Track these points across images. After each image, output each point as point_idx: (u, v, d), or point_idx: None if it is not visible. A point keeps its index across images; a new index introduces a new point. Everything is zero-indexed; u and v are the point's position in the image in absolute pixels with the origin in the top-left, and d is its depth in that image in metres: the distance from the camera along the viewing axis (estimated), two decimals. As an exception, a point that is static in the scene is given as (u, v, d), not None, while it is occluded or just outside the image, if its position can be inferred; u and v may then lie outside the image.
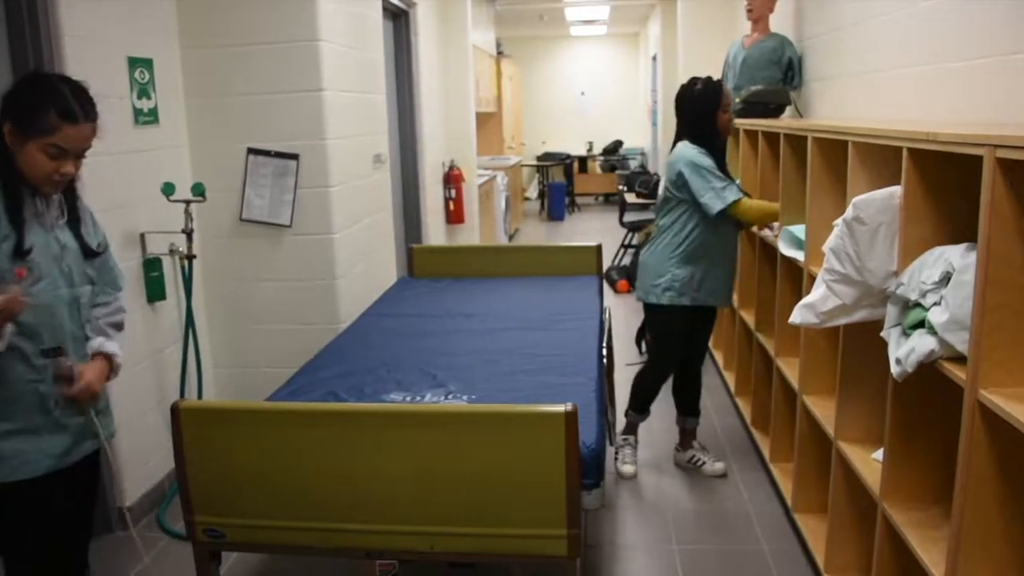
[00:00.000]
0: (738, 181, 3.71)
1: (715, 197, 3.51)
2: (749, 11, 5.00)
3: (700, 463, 3.93)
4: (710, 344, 5.65)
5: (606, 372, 3.63)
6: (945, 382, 1.92)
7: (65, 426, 2.20)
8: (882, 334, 2.18)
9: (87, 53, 3.27)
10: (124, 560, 3.28)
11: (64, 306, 2.20)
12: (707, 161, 3.56)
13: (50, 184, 2.12)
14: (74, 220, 2.27)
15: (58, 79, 2.17)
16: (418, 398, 2.81)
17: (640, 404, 3.98)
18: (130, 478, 3.53)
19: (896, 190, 2.19)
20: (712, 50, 6.44)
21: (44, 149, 2.06)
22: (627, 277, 7.63)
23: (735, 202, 3.49)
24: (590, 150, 15.48)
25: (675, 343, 3.81)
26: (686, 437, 4.04)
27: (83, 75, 3.21)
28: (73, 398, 2.17)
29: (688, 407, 4.03)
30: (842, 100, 4.16)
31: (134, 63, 3.58)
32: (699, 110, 3.63)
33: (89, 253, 2.30)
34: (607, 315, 4.08)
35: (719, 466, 3.90)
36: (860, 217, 2.25)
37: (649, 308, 3.79)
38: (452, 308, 4.01)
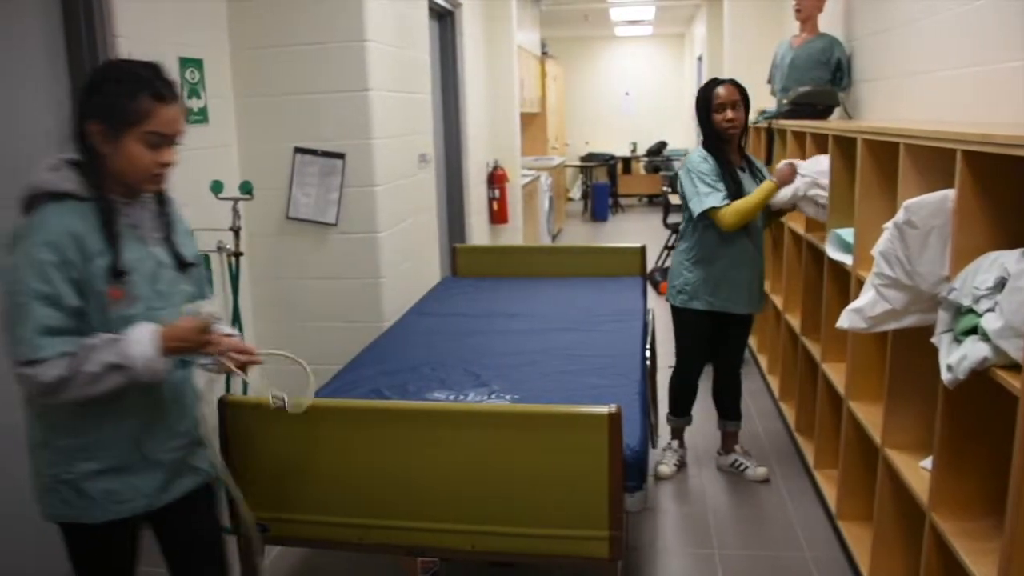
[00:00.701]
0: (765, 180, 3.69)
1: (697, 203, 3.56)
2: (797, 11, 4.94)
3: (742, 467, 3.90)
4: (753, 347, 5.62)
5: (649, 374, 3.61)
6: (998, 390, 1.88)
7: (159, 462, 2.03)
8: (933, 340, 2.14)
9: (140, 54, 3.28)
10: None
11: None
12: (704, 166, 3.59)
13: (151, 180, 1.95)
14: (167, 228, 2.09)
15: (134, 62, 1.96)
16: (461, 397, 2.81)
17: (674, 407, 3.99)
18: (176, 471, 3.58)
19: (949, 193, 2.16)
20: (759, 51, 6.38)
21: (143, 139, 1.88)
22: (670, 279, 7.58)
23: (711, 209, 3.53)
24: (634, 151, 15.42)
25: (693, 345, 3.84)
26: (727, 441, 4.01)
27: (136, 74, 3.27)
28: (244, 366, 2.07)
29: (728, 411, 4.00)
30: (893, 101, 4.10)
31: (185, 63, 3.63)
32: (698, 114, 3.68)
33: (183, 265, 2.09)
34: (650, 316, 4.06)
35: (761, 471, 3.86)
36: (912, 220, 2.21)
37: (672, 309, 3.84)
38: (495, 308, 4.01)
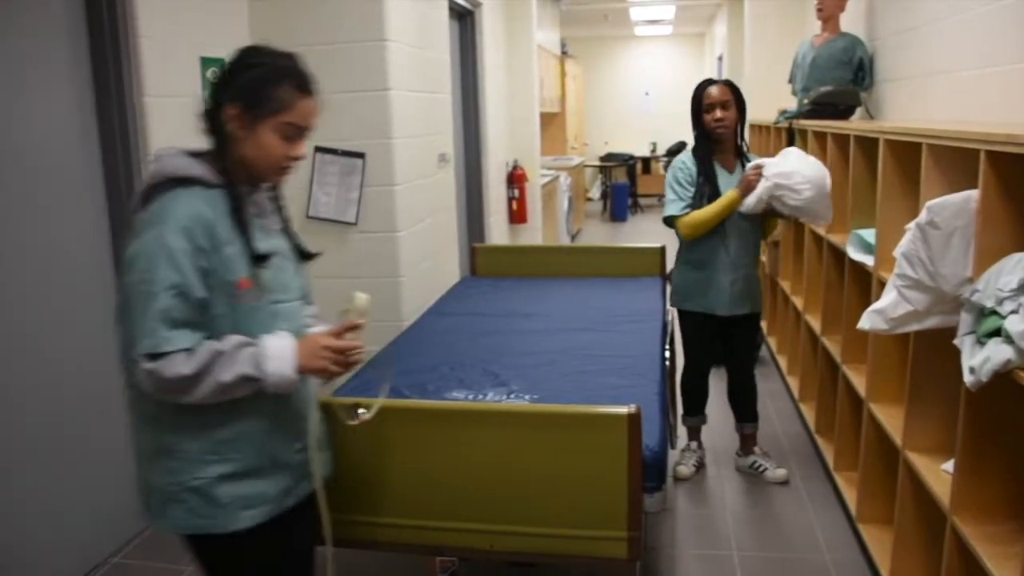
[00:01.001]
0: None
1: (664, 210, 3.68)
2: (819, 10, 4.91)
3: (761, 469, 3.88)
4: (773, 348, 5.59)
5: (668, 375, 3.60)
6: (1021, 392, 1.87)
7: (286, 465, 1.94)
8: (955, 342, 2.12)
9: (162, 53, 3.35)
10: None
11: (297, 325, 1.97)
12: (680, 173, 3.64)
13: (279, 172, 1.89)
14: (285, 218, 2.05)
15: (276, 51, 1.89)
16: (480, 397, 2.82)
17: (686, 407, 3.99)
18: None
19: (973, 194, 2.14)
20: (780, 50, 6.35)
21: (279, 128, 1.82)
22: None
23: (669, 217, 3.61)
24: (654, 151, 15.38)
25: (694, 345, 3.88)
26: (746, 442, 4.00)
27: (158, 75, 3.32)
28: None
29: (743, 412, 3.99)
30: (915, 101, 4.07)
31: (207, 62, 3.66)
32: (691, 114, 3.65)
33: (305, 256, 2.10)
34: (670, 317, 4.05)
35: (780, 472, 3.85)
36: (934, 221, 2.19)
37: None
38: (514, 308, 4.01)
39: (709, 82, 3.63)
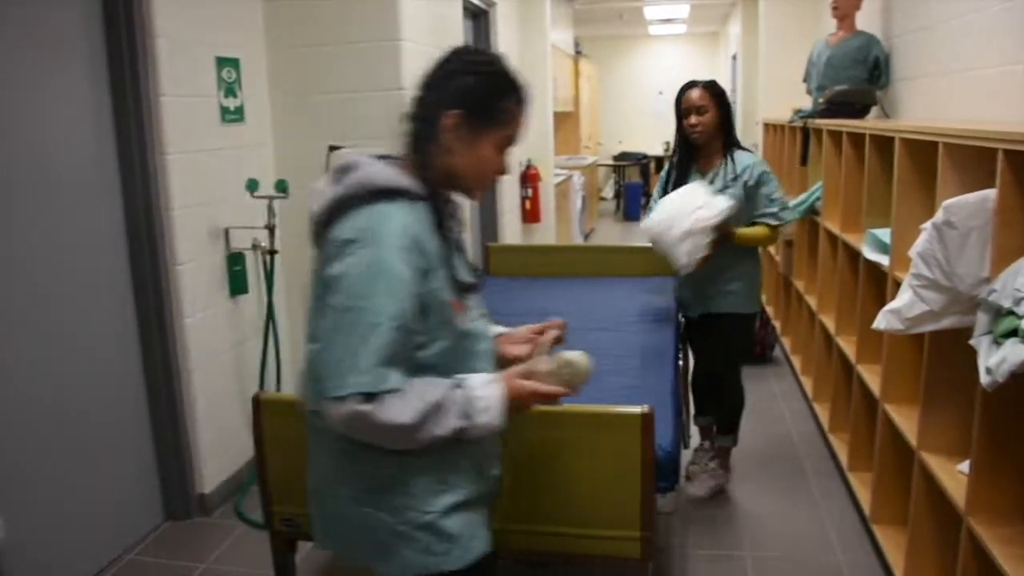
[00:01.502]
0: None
1: None
2: (835, 9, 4.89)
3: (692, 477, 3.78)
4: (787, 348, 5.57)
5: (681, 375, 3.59)
6: (1038, 393, 1.86)
7: (493, 489, 1.85)
8: (971, 342, 2.11)
9: (178, 53, 3.36)
10: (203, 545, 3.37)
11: (489, 345, 1.83)
12: (660, 180, 3.69)
13: (487, 186, 1.76)
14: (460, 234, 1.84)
15: (495, 57, 1.75)
16: (493, 396, 2.81)
17: (695, 406, 3.98)
18: (209, 466, 3.63)
19: (989, 194, 2.12)
20: (795, 49, 6.33)
21: (499, 142, 1.69)
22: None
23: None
24: (667, 150, 15.34)
25: (689, 345, 3.95)
26: (718, 452, 3.83)
27: (174, 74, 3.34)
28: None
29: (720, 422, 3.82)
30: (932, 100, 4.05)
31: (222, 63, 3.67)
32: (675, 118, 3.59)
33: (476, 271, 1.90)
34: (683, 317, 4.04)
35: (695, 491, 3.71)
36: (951, 221, 2.18)
37: None
38: (527, 307, 4.01)
39: (690, 85, 3.53)
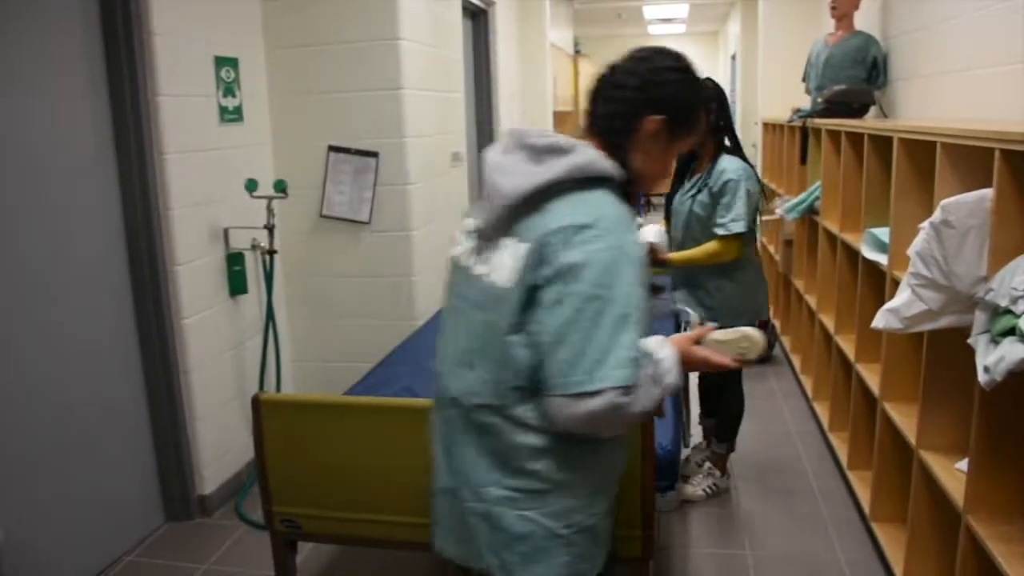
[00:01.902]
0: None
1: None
2: (833, 8, 4.89)
3: (689, 476, 3.77)
4: (787, 347, 5.58)
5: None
6: (1036, 392, 1.86)
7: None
8: (969, 341, 2.11)
9: (176, 52, 3.37)
10: (203, 546, 3.37)
11: None
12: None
13: (656, 188, 1.79)
14: None
15: (695, 67, 1.74)
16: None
17: (702, 407, 3.97)
18: (209, 467, 3.63)
19: (987, 193, 2.13)
20: (794, 49, 6.33)
21: (681, 148, 1.73)
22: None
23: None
24: None
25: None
26: (713, 455, 3.80)
27: (172, 74, 3.34)
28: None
29: (717, 428, 3.78)
30: (930, 100, 4.05)
31: (220, 62, 3.68)
32: None
33: None
34: (692, 317, 4.03)
35: (691, 492, 3.70)
36: (948, 220, 2.19)
37: None
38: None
39: None
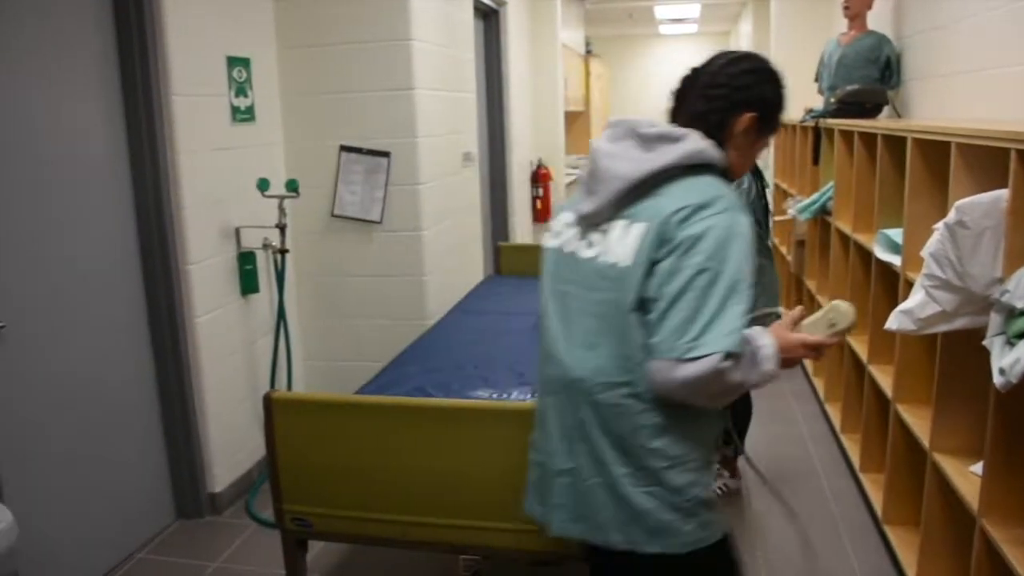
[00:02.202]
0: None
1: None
2: (846, 8, 4.87)
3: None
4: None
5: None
6: (1052, 394, 1.85)
7: None
8: (984, 343, 2.10)
9: (189, 52, 3.37)
10: (214, 544, 3.38)
11: None
12: None
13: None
14: None
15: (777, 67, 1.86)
16: (504, 396, 2.82)
17: None
18: (219, 465, 3.64)
19: (1002, 193, 2.11)
20: (806, 49, 6.30)
21: (764, 145, 1.85)
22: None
23: None
24: None
25: None
26: (720, 459, 3.74)
27: (184, 74, 3.35)
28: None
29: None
30: (944, 100, 4.03)
31: (233, 62, 3.68)
32: None
33: None
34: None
35: (733, 483, 3.71)
36: (963, 221, 2.17)
37: None
38: (539, 306, 4.00)
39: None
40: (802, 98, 6.13)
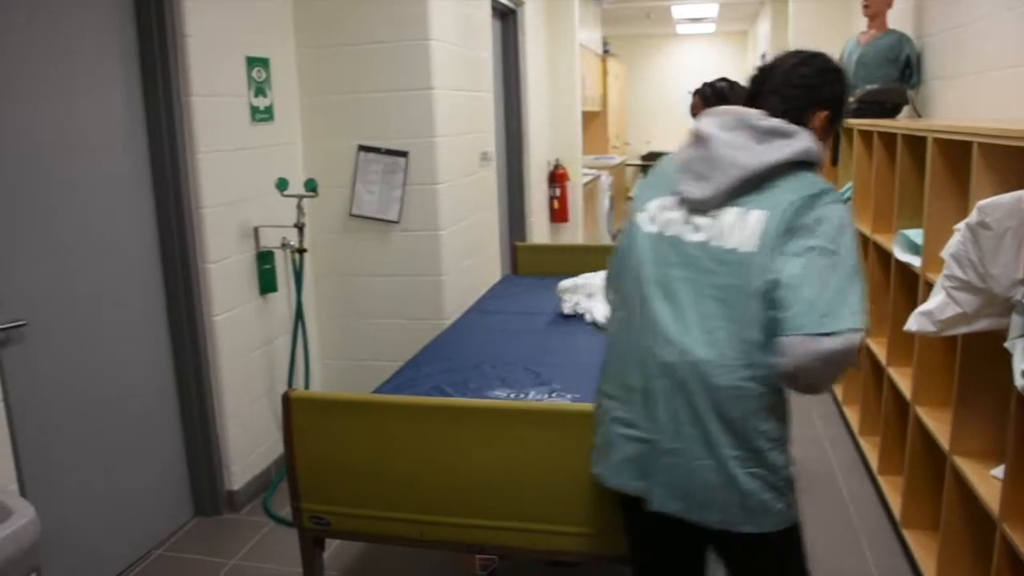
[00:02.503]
0: None
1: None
2: (865, 7, 4.85)
3: None
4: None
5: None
6: (1075, 397, 1.83)
7: None
8: (1006, 345, 2.08)
9: (208, 53, 3.39)
10: (231, 541, 3.39)
11: None
12: None
13: None
14: None
15: None
16: (522, 395, 2.82)
17: None
18: (238, 463, 3.66)
19: (1025, 194, 2.10)
20: (825, 48, 6.22)
21: (828, 142, 1.95)
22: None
23: None
24: None
25: None
26: None
27: (204, 74, 3.36)
28: None
29: None
30: (965, 99, 4.00)
31: (252, 62, 3.70)
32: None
33: None
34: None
35: None
36: (985, 222, 2.15)
37: None
38: (556, 306, 4.01)
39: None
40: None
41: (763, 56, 11.39)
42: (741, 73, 15.43)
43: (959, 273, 2.25)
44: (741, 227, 1.73)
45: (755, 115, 1.81)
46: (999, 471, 2.36)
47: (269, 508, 3.64)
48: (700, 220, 1.79)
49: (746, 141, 1.78)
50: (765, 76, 1.91)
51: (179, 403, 3.49)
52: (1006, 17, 3.43)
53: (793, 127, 1.79)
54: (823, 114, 1.86)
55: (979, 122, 2.84)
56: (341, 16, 4.09)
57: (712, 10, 12.13)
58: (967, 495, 2.54)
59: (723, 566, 1.96)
